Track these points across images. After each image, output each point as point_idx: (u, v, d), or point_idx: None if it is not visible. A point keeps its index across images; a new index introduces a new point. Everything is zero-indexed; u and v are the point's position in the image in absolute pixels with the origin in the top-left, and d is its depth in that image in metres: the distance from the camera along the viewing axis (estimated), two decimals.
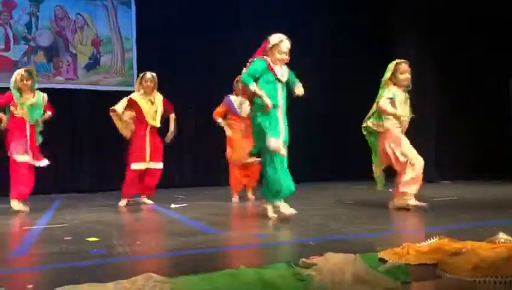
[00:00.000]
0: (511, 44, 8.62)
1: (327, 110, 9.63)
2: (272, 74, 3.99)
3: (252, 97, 4.08)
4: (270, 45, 4.01)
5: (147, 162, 5.63)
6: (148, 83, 5.61)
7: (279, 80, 4.03)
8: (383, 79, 4.60)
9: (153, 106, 5.63)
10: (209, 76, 8.91)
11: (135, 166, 5.58)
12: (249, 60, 4.13)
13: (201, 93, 8.78)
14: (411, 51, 8.59)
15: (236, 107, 5.87)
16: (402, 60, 4.59)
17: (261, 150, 4.11)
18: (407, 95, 4.62)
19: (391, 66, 4.57)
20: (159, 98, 5.71)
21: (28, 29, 8.28)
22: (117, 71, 8.75)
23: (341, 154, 9.60)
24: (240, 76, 5.68)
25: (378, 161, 4.71)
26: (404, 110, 4.53)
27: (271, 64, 4.00)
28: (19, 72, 5.33)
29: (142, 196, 5.90)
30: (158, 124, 5.66)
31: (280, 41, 4.01)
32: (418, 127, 8.52)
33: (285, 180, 3.95)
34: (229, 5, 9.19)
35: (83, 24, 8.63)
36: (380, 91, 4.59)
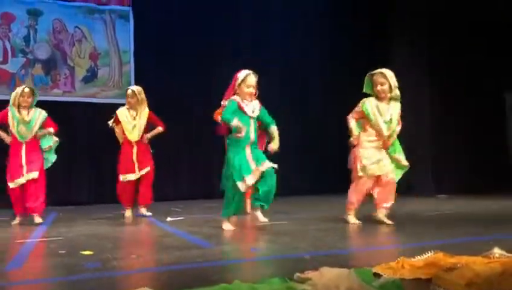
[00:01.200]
0: (510, 49, 8.62)
1: (327, 115, 9.60)
2: (242, 112, 4.33)
3: (227, 134, 4.50)
4: (238, 81, 4.36)
5: (136, 173, 5.77)
6: (129, 99, 5.81)
7: (251, 117, 4.37)
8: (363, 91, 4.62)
9: (133, 121, 5.79)
10: (207, 87, 8.92)
11: (123, 178, 5.79)
12: (223, 98, 4.55)
13: (200, 104, 8.79)
14: (410, 55, 8.64)
15: None
16: (376, 71, 4.51)
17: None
18: (392, 106, 4.50)
19: (366, 79, 4.55)
20: (143, 113, 5.83)
21: (26, 42, 8.31)
22: (114, 84, 8.77)
23: (341, 163, 9.58)
24: None
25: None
26: (379, 123, 4.44)
27: (241, 103, 4.34)
28: (22, 87, 5.31)
29: (139, 207, 5.89)
30: (135, 138, 5.77)
31: (246, 76, 4.36)
32: (414, 140, 8.61)
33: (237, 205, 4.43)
34: (228, 9, 9.21)
35: (81, 37, 8.67)
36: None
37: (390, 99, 4.51)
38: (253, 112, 4.37)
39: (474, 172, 8.55)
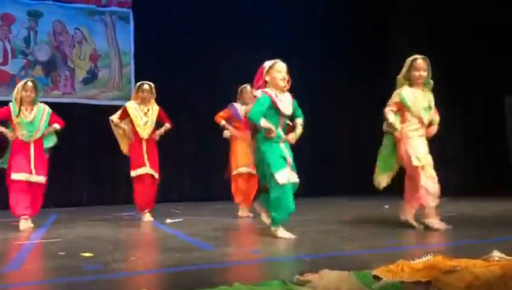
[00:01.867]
0: (511, 50, 8.58)
1: (327, 115, 9.61)
2: (275, 109, 3.98)
3: (255, 131, 4.07)
4: (266, 69, 4.03)
5: (146, 167, 5.53)
6: (145, 94, 5.62)
7: (283, 114, 4.03)
8: (398, 77, 4.43)
9: (144, 117, 5.62)
10: (208, 87, 8.97)
11: (135, 173, 5.53)
12: (253, 89, 4.14)
13: (201, 104, 8.82)
14: (410, 55, 8.63)
15: (241, 115, 5.78)
16: (419, 56, 4.34)
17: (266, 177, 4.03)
18: (427, 94, 4.40)
19: (407, 62, 4.36)
20: (154, 109, 5.71)
21: (27, 44, 8.33)
22: (114, 86, 8.79)
23: (342, 163, 9.57)
24: (244, 86, 5.73)
25: (387, 165, 4.48)
26: (419, 111, 4.31)
27: (274, 98, 3.98)
28: (24, 81, 5.07)
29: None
30: (146, 136, 5.59)
31: (274, 62, 4.04)
32: None
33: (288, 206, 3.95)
34: (228, 10, 9.22)
35: (81, 39, 8.68)
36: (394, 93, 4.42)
37: (424, 87, 4.42)
38: (286, 108, 4.02)
39: (474, 174, 8.54)
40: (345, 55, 9.65)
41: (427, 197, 4.14)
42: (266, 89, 4.00)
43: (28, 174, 4.94)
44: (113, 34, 8.85)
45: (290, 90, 4.17)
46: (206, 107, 8.91)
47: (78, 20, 8.65)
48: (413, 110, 4.31)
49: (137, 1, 8.97)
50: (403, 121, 4.38)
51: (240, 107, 5.85)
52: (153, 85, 5.71)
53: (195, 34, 8.96)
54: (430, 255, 2.52)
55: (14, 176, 4.90)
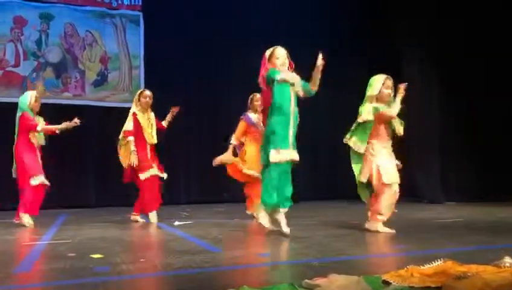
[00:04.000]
0: None
1: (334, 119, 9.56)
2: (283, 81, 4.16)
3: (269, 105, 4.23)
4: (267, 58, 4.27)
5: (154, 169, 5.62)
6: (147, 99, 5.68)
7: (292, 84, 4.21)
8: (368, 94, 4.54)
9: (149, 124, 5.70)
10: (218, 92, 8.97)
11: (143, 175, 5.55)
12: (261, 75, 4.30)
13: (210, 108, 8.83)
14: (415, 65, 8.60)
15: (254, 122, 5.80)
16: (388, 76, 4.56)
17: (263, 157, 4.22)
18: None
19: (379, 80, 4.51)
20: (152, 116, 5.79)
21: (38, 46, 8.39)
22: (124, 88, 8.83)
23: (347, 168, 9.50)
24: (254, 94, 5.75)
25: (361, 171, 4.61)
26: (394, 123, 4.51)
27: (280, 68, 4.20)
28: (34, 94, 5.47)
29: (133, 213, 5.78)
30: (155, 141, 5.71)
31: (273, 49, 4.29)
32: (423, 147, 8.52)
33: (274, 192, 4.10)
34: (237, 13, 9.21)
35: (92, 41, 8.73)
36: (363, 107, 4.54)
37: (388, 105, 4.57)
38: (293, 78, 4.21)
39: (484, 179, 8.46)
40: (349, 56, 9.58)
41: (387, 214, 4.38)
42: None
43: (41, 175, 5.32)
44: (124, 36, 8.90)
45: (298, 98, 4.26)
46: (216, 110, 8.95)
47: (89, 23, 8.70)
48: (390, 123, 4.48)
49: (147, 4, 9.01)
50: (374, 135, 4.48)
51: (252, 115, 5.86)
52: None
53: (206, 37, 8.97)
54: (440, 260, 2.51)
55: (34, 181, 5.25)
